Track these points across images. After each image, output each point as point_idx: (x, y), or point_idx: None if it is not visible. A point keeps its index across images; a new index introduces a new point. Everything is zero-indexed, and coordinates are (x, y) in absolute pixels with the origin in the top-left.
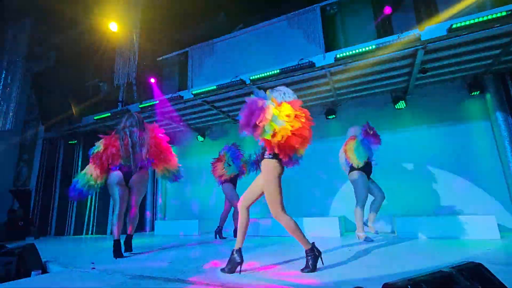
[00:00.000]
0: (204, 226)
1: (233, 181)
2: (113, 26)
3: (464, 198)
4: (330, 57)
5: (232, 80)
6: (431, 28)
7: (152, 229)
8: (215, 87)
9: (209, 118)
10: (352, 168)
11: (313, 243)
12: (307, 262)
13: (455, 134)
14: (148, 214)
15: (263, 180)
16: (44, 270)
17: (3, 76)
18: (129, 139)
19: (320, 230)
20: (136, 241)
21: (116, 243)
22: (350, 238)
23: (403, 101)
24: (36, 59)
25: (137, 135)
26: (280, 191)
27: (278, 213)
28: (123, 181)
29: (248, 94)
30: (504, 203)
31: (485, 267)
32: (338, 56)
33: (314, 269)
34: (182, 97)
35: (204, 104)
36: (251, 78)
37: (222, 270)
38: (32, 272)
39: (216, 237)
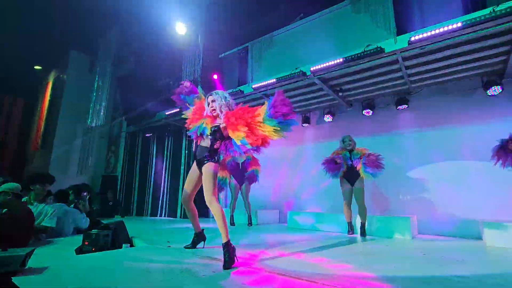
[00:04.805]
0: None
1: None
2: (181, 28)
3: None
4: (402, 41)
5: (292, 72)
6: None
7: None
8: (274, 80)
9: None
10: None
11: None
12: (224, 256)
13: None
14: None
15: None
16: (132, 244)
17: (96, 80)
18: None
19: (390, 229)
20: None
21: None
22: (425, 243)
23: (498, 86)
24: (120, 64)
25: None
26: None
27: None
28: None
29: (309, 85)
30: None
31: None
32: (413, 38)
33: (232, 261)
34: (243, 91)
35: (263, 98)
36: (312, 69)
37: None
38: (123, 245)
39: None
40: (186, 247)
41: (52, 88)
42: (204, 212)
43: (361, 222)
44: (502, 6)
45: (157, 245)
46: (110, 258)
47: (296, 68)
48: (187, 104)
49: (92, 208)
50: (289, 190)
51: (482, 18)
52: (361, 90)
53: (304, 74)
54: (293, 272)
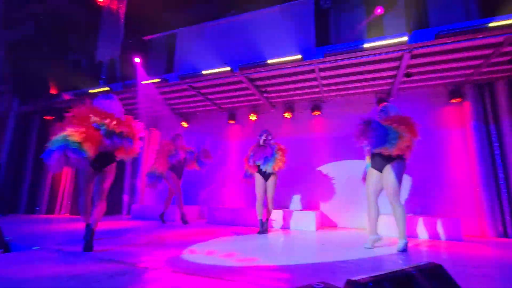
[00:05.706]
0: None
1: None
2: None
3: (433, 200)
4: (320, 52)
5: (220, 67)
6: (419, 32)
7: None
8: (202, 73)
9: (194, 104)
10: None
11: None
12: (88, 239)
13: (431, 139)
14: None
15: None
16: (7, 249)
17: None
18: None
19: (298, 223)
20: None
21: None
22: (326, 234)
23: (386, 103)
24: (13, 27)
25: None
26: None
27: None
28: None
29: (237, 83)
30: (469, 207)
31: (444, 268)
32: (328, 52)
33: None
34: (167, 80)
35: (190, 90)
36: (240, 67)
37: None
38: None
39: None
40: (85, 250)
41: None
42: (116, 209)
43: (266, 218)
44: (396, 36)
45: (44, 249)
46: None
47: (224, 64)
48: None
49: None
50: (210, 185)
51: (380, 44)
52: (283, 94)
53: (231, 70)
54: (202, 270)
